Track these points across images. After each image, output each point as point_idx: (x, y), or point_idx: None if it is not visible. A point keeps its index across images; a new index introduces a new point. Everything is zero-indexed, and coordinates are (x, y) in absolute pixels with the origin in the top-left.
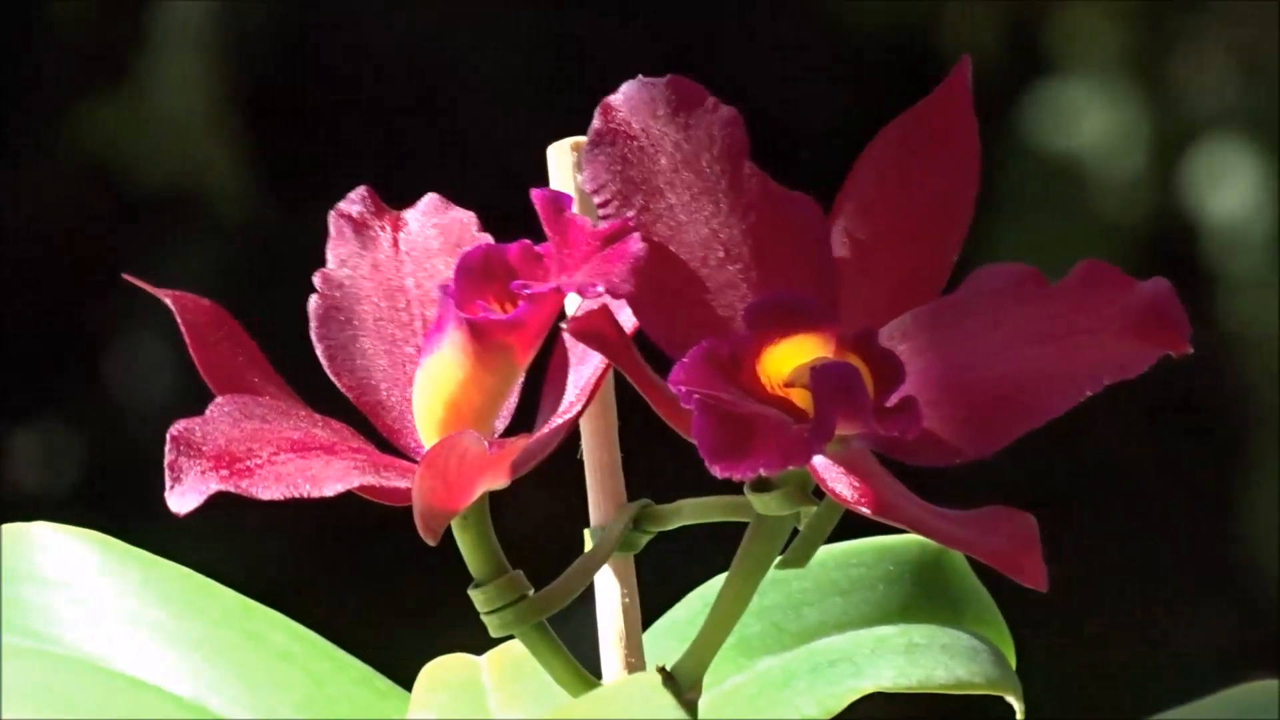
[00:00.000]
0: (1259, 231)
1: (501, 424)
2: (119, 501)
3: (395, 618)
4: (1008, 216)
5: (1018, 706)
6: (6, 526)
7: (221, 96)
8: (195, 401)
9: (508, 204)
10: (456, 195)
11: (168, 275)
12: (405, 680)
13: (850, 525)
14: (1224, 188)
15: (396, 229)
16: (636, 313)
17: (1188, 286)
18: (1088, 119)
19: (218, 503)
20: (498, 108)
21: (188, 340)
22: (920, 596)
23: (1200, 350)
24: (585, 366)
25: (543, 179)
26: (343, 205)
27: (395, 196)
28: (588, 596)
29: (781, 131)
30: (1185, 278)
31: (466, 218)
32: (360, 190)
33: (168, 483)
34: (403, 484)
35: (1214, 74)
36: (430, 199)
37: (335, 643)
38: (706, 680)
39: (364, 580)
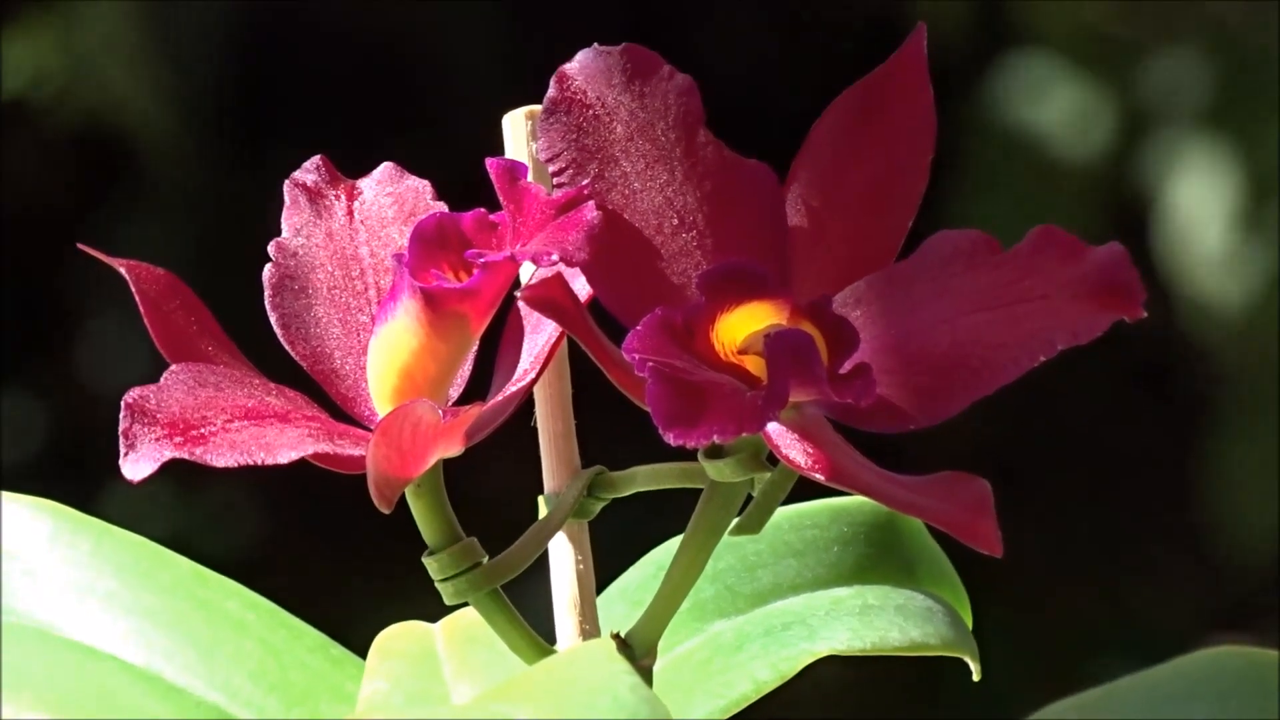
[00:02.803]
0: (1221, 203)
1: (456, 392)
2: (85, 470)
3: (351, 585)
4: (974, 191)
5: (974, 667)
6: None
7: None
8: (163, 370)
9: (464, 172)
10: (406, 161)
11: (128, 245)
12: (361, 648)
13: (807, 487)
14: (1187, 161)
15: (351, 198)
16: (591, 281)
17: (1150, 257)
18: (1054, 94)
19: (181, 471)
20: (454, 74)
21: (141, 309)
22: (875, 557)
23: (1163, 318)
24: (539, 335)
25: (499, 148)
26: (297, 174)
27: (344, 159)
28: (542, 563)
29: (745, 108)
30: (1148, 248)
31: (421, 186)
32: (315, 159)
33: (122, 450)
34: (357, 452)
35: (1179, 49)
36: (385, 168)
37: (291, 611)
38: (660, 644)
39: (320, 548)
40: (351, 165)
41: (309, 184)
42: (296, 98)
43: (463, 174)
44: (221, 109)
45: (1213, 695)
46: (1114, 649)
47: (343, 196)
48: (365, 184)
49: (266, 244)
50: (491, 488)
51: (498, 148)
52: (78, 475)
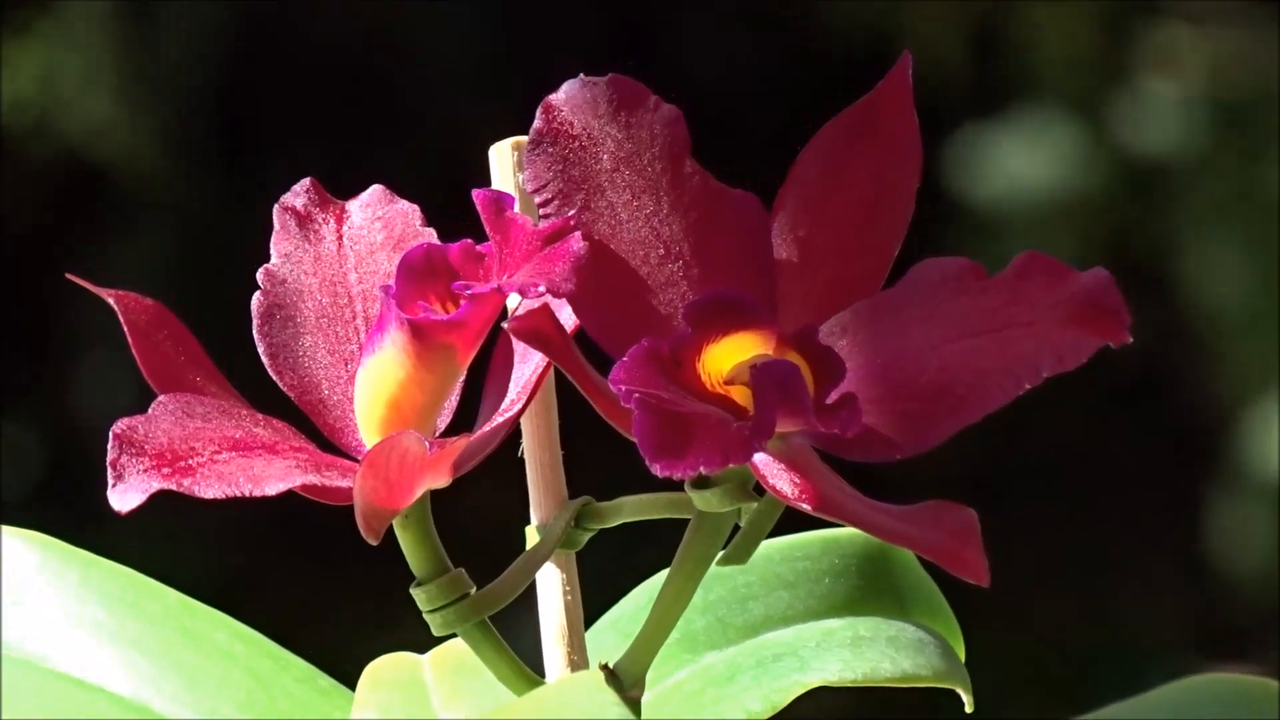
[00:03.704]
0: (1223, 232)
1: (443, 423)
2: (76, 501)
3: (340, 616)
4: (972, 239)
5: (966, 699)
6: None
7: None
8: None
9: (454, 194)
10: (399, 181)
11: (115, 266)
12: (350, 678)
13: (796, 519)
14: (1188, 194)
15: (340, 221)
16: (577, 312)
17: (1148, 285)
18: (1051, 138)
19: (169, 502)
20: (438, 80)
21: (130, 339)
22: (866, 589)
23: (1160, 343)
24: (526, 365)
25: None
26: (286, 198)
27: (338, 167)
28: (530, 594)
29: (748, 150)
30: (1147, 277)
31: (410, 210)
32: (304, 182)
33: (110, 481)
34: (344, 483)
35: (1176, 87)
36: (374, 191)
37: (279, 641)
38: (651, 676)
39: (309, 579)
40: (349, 168)
41: (298, 207)
42: (281, 111)
43: (456, 179)
44: (208, 130)
45: None
46: (1105, 674)
47: (331, 220)
48: (354, 207)
49: (254, 269)
50: (479, 519)
51: (486, 148)
52: (72, 506)
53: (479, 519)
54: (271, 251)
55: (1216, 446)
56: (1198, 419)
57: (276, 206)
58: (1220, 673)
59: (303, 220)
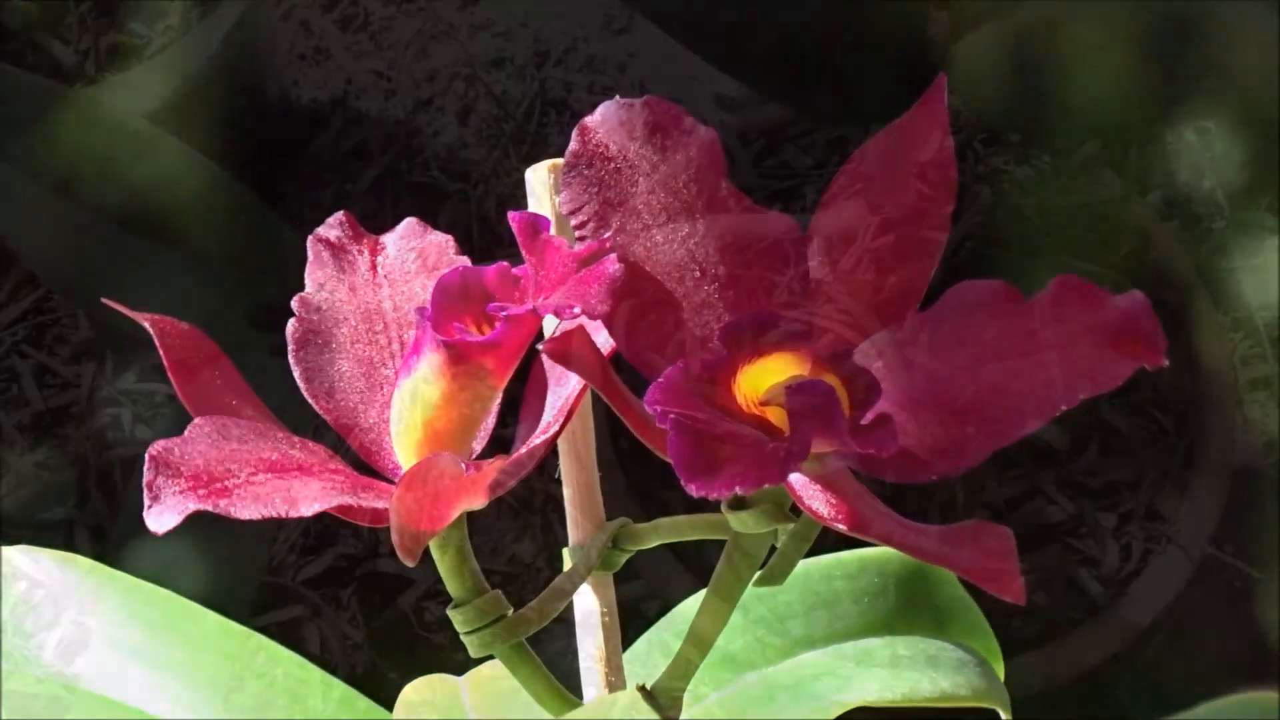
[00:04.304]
0: (1251, 255)
1: (479, 445)
2: (113, 525)
3: (379, 638)
4: (1009, 273)
5: (1006, 717)
6: None
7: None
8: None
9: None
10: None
11: (159, 294)
12: (388, 701)
13: (835, 538)
14: (1220, 231)
15: (374, 252)
16: (612, 333)
17: (1182, 313)
18: (1091, 169)
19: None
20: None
21: (166, 363)
22: (905, 608)
23: (1193, 359)
24: (563, 387)
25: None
26: (321, 230)
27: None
28: (567, 615)
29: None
30: (1179, 305)
31: (444, 241)
32: (338, 215)
33: (146, 501)
34: (380, 505)
35: (1210, 120)
36: (408, 223)
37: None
38: (692, 695)
39: (349, 601)
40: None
41: (332, 239)
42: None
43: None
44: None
45: None
46: (1145, 696)
47: (365, 251)
48: (388, 238)
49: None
50: (516, 540)
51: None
52: (105, 536)
53: (515, 540)
54: (306, 280)
55: (1236, 469)
56: (1221, 440)
57: (310, 238)
58: (1255, 691)
59: (337, 251)
